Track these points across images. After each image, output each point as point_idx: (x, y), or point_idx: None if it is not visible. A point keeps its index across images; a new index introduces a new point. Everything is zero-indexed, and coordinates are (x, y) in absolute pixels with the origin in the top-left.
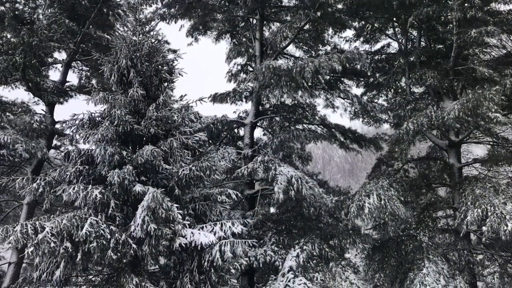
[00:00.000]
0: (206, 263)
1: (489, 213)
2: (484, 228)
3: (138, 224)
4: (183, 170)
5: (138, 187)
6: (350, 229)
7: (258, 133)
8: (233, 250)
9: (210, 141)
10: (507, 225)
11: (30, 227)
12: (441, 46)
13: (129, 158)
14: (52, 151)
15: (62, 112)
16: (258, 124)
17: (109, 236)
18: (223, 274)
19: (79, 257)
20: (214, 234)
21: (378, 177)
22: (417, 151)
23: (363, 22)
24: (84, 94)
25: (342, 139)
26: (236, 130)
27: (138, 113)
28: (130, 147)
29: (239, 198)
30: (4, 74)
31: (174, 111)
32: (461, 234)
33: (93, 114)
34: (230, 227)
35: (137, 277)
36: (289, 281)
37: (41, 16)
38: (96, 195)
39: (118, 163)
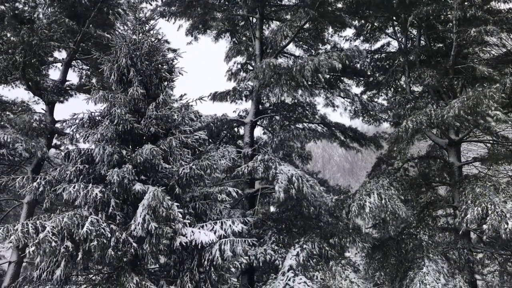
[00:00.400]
0: (206, 262)
1: (489, 212)
2: (484, 227)
3: (139, 222)
4: (184, 169)
5: (138, 186)
6: (350, 228)
7: (258, 132)
8: (233, 249)
9: (210, 140)
10: (507, 223)
11: (31, 226)
12: (441, 45)
13: (128, 157)
14: (52, 150)
15: (62, 111)
16: (258, 123)
17: (109, 235)
18: (223, 273)
19: (79, 256)
20: (215, 233)
21: (378, 176)
22: (417, 150)
23: (363, 21)
24: (84, 93)
25: (342, 138)
26: (236, 129)
27: (138, 112)
28: (130, 146)
29: (239, 196)
30: (4, 73)
31: (174, 110)
32: (461, 233)
33: (93, 114)
34: (230, 225)
35: (137, 276)
36: (289, 280)
37: (41, 15)
38: (96, 194)
39: (117, 162)
